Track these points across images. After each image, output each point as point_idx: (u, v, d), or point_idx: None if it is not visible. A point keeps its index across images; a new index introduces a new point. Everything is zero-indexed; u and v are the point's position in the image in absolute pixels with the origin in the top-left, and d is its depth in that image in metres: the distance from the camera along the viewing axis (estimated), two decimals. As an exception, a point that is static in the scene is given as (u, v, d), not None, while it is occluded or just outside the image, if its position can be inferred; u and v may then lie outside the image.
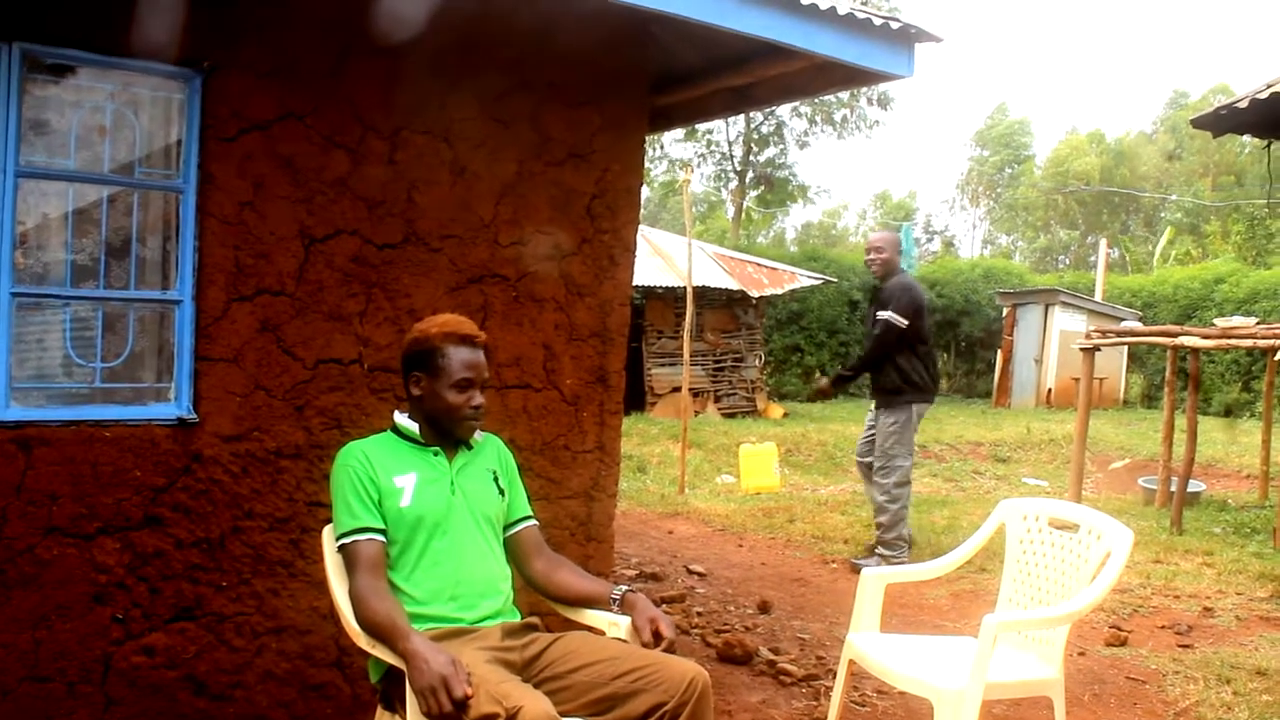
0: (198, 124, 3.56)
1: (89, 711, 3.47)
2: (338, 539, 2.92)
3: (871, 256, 7.43)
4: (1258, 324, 8.89)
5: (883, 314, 7.12)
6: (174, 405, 3.60)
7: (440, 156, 4.02)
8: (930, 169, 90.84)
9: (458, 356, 2.99)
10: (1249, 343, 8.48)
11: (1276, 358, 8.31)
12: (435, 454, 3.05)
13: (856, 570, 7.16)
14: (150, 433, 3.52)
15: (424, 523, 2.95)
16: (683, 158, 32.83)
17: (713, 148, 33.51)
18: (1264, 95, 3.82)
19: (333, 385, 3.86)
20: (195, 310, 3.59)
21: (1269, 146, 4.35)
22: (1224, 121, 4.10)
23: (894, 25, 4.11)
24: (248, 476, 3.70)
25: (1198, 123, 4.24)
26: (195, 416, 3.59)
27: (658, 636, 2.93)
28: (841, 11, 3.94)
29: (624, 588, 3.11)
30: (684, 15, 3.69)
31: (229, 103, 3.58)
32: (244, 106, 3.61)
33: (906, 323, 7.07)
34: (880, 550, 7.21)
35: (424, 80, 3.96)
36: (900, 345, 7.10)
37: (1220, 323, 8.93)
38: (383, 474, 2.95)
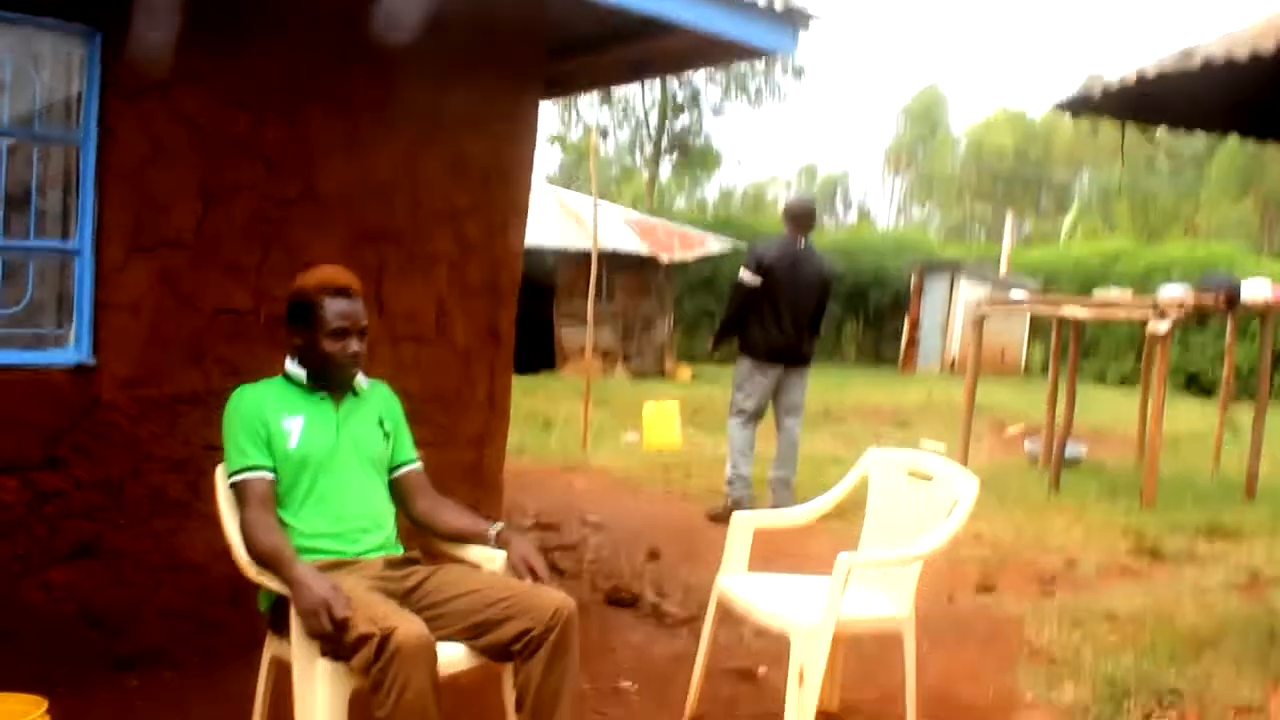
0: (98, 81, 3.68)
1: (-14, 644, 3.62)
2: (229, 476, 3.11)
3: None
4: (1133, 297, 9.39)
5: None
6: (73, 350, 3.74)
7: (339, 120, 4.19)
8: (864, 144, 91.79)
9: (333, 307, 3.15)
10: (1124, 315, 8.96)
11: (1147, 329, 8.78)
12: (322, 399, 3.23)
13: (712, 519, 7.45)
14: (50, 377, 3.66)
15: (309, 462, 3.14)
16: (598, 123, 32.93)
17: (628, 113, 33.63)
18: (1115, 86, 4.13)
19: (230, 335, 4.02)
20: (95, 260, 3.73)
21: (1123, 129, 4.67)
22: (1083, 106, 4.39)
23: (777, 7, 4.34)
24: (147, 420, 3.86)
25: (1062, 106, 4.54)
26: (94, 362, 3.73)
27: (533, 574, 3.17)
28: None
29: (500, 525, 3.34)
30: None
31: (129, 62, 3.70)
32: (145, 66, 3.72)
33: (755, 280, 7.33)
34: (725, 489, 7.67)
35: (323, 47, 4.11)
36: (751, 301, 7.38)
37: (1099, 294, 9.39)
38: (272, 416, 3.13)
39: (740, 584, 4.01)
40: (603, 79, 5.72)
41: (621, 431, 11.96)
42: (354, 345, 3.19)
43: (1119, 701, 4.36)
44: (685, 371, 18.54)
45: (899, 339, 24.29)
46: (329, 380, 3.24)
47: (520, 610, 2.99)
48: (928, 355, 22.71)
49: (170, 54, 3.77)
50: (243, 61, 3.95)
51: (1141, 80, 4.12)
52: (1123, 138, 4.86)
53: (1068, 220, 36.17)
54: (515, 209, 4.73)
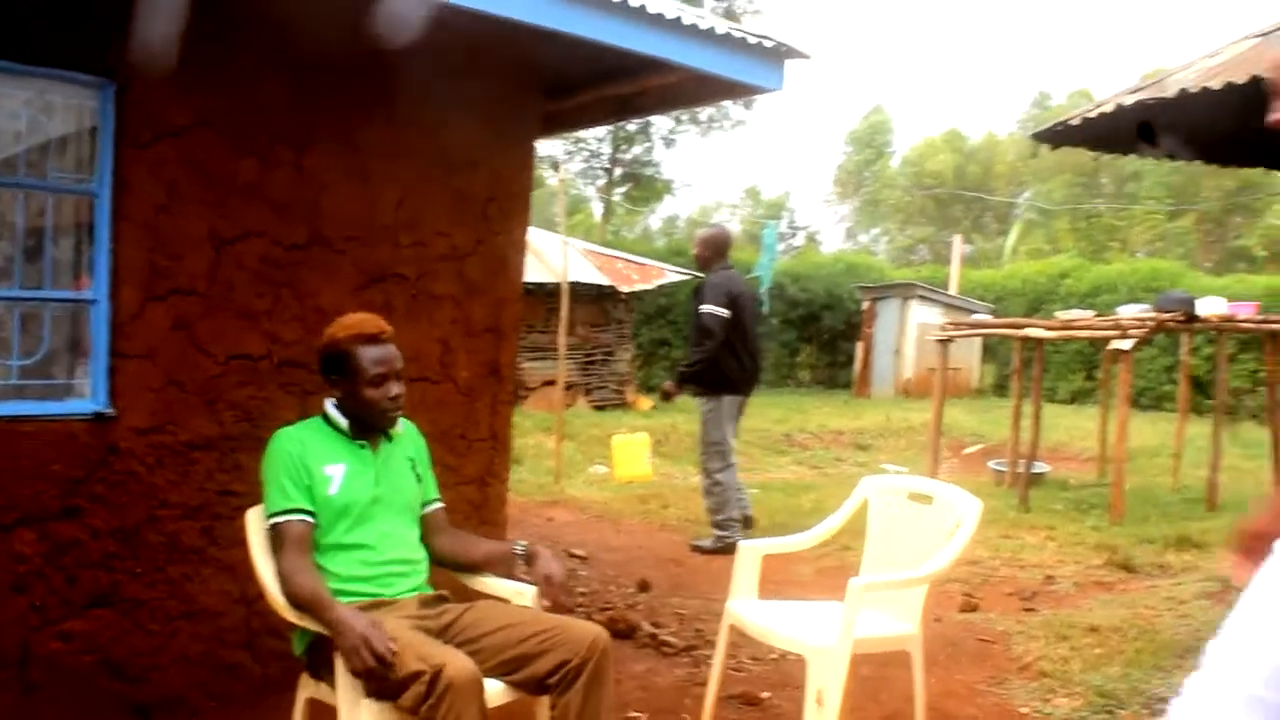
0: (112, 131, 3.72)
1: (9, 696, 3.60)
2: (269, 517, 3.14)
3: (696, 251, 7.99)
4: (1094, 316, 9.63)
5: (703, 308, 7.52)
6: (91, 401, 3.75)
7: (344, 163, 4.25)
8: (808, 168, 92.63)
9: (368, 355, 3.17)
10: (1087, 334, 9.18)
11: (1110, 347, 9.02)
12: (361, 447, 3.27)
13: (697, 550, 7.56)
14: (68, 427, 3.67)
15: (349, 511, 3.18)
16: (552, 154, 33.04)
17: (580, 144, 33.78)
18: (1093, 114, 4.29)
19: (243, 380, 4.05)
20: (111, 309, 3.74)
21: (1097, 159, 4.86)
22: (1061, 136, 4.56)
23: (767, 44, 4.46)
24: (162, 468, 3.87)
25: (1038, 136, 4.70)
26: (112, 411, 3.74)
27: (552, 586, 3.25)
28: (720, 31, 4.28)
29: (524, 544, 3.40)
30: (576, 34, 3.98)
31: (143, 111, 3.74)
32: (157, 114, 3.77)
33: (728, 313, 7.43)
34: (716, 532, 7.66)
35: (328, 91, 4.18)
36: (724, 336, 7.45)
37: (1062, 315, 9.62)
38: (314, 461, 3.17)
39: (752, 610, 4.09)
40: (592, 118, 5.82)
41: (589, 464, 12.02)
42: (394, 389, 3.23)
43: (1112, 711, 4.50)
44: (646, 402, 18.62)
45: (852, 363, 24.53)
46: (373, 426, 3.28)
47: (557, 643, 3.04)
48: (881, 378, 22.94)
49: (181, 101, 3.82)
50: (250, 107, 3.99)
51: (1119, 109, 4.28)
52: (1097, 168, 5.04)
53: (1009, 240, 36.79)
54: (514, 248, 4.81)
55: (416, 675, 2.74)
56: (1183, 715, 1.33)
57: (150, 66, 3.71)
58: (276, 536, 3.12)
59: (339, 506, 3.17)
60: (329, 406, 3.30)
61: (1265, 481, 10.68)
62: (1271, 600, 1.24)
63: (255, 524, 3.23)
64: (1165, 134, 4.27)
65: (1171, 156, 5.04)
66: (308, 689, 3.21)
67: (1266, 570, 1.54)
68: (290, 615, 3.06)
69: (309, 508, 3.13)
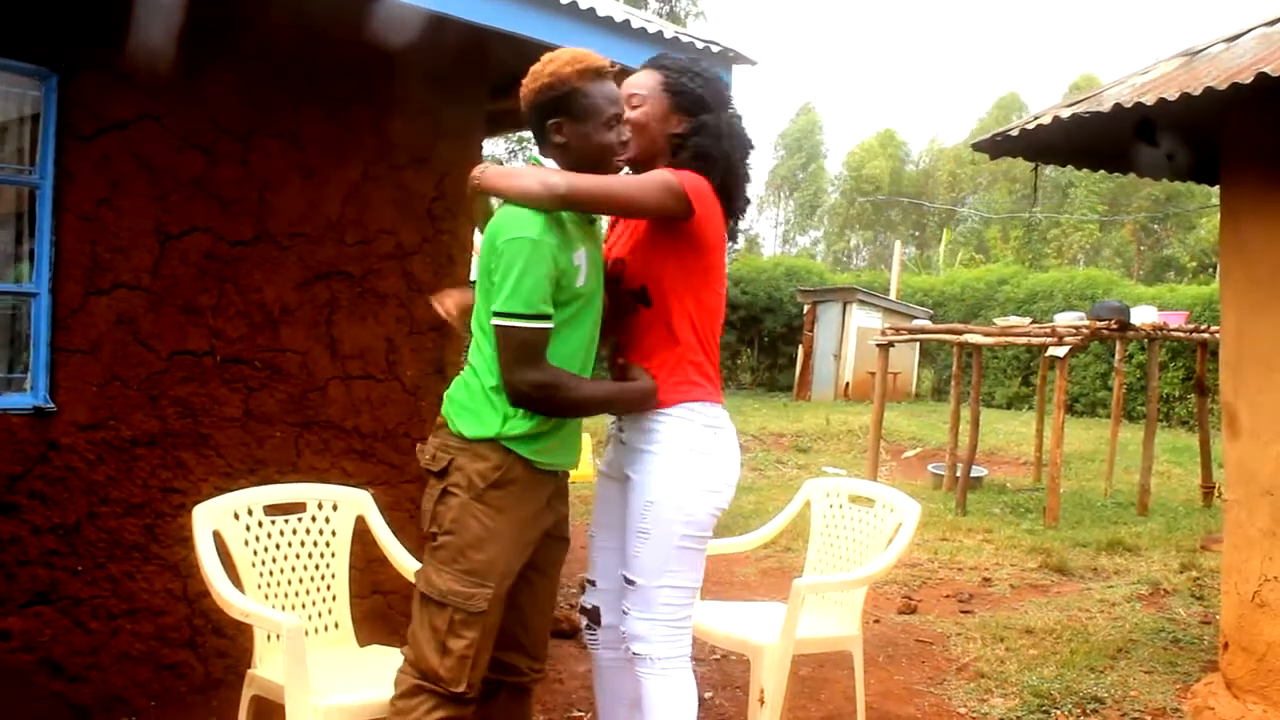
0: (54, 122, 3.66)
1: (-57, 695, 3.55)
2: (511, 316, 2.56)
3: None
4: (1031, 323, 9.81)
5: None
6: (30, 395, 3.69)
7: (290, 159, 4.22)
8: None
9: (601, 92, 2.68)
10: (1024, 340, 9.36)
11: (1046, 354, 9.21)
12: (591, 221, 2.79)
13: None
14: (7, 422, 3.61)
15: (592, 301, 2.75)
16: (495, 154, 32.94)
17: (524, 144, 33.68)
18: (1031, 126, 4.38)
19: (186, 376, 4.01)
20: (52, 303, 3.69)
21: (1035, 169, 4.98)
22: (999, 147, 4.65)
23: (714, 49, 4.51)
24: (104, 464, 3.82)
25: (978, 146, 4.80)
26: (53, 406, 3.69)
27: None
28: (668, 36, 4.31)
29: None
30: (524, 34, 3.99)
31: (87, 102, 3.70)
32: (102, 107, 3.73)
33: None
34: None
35: (275, 86, 4.15)
36: None
37: (1000, 322, 9.79)
38: (563, 252, 2.62)
39: (695, 610, 4.11)
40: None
41: (533, 463, 11.99)
42: (625, 132, 2.78)
43: (1047, 711, 4.60)
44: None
45: (793, 366, 24.69)
46: None
47: (526, 647, 2.97)
48: (821, 382, 23.12)
49: (125, 94, 3.78)
50: (197, 101, 3.96)
51: (1056, 122, 4.37)
52: (1035, 177, 5.16)
53: (942, 246, 37.27)
54: (460, 247, 4.80)
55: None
56: None
57: (94, 58, 3.69)
58: (520, 341, 2.58)
59: (587, 294, 2.68)
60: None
61: (1193, 487, 10.95)
62: None
63: (200, 521, 3.17)
64: (1102, 146, 4.40)
65: (1107, 168, 5.16)
66: (254, 686, 3.18)
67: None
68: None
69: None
